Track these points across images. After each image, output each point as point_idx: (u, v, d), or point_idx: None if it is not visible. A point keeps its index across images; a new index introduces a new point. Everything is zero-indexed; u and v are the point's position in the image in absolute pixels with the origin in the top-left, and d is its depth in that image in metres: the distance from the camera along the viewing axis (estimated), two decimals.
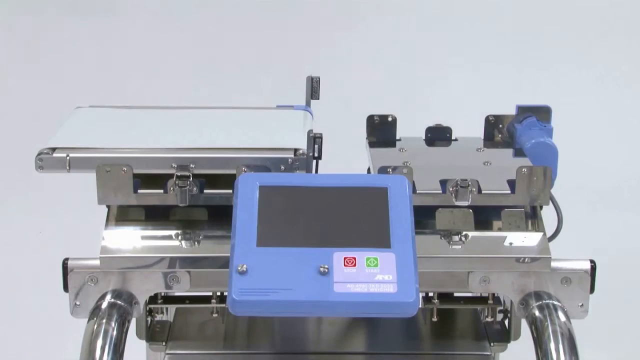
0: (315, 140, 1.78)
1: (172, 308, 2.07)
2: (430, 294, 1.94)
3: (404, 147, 2.03)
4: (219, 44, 4.95)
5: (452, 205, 1.82)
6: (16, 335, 3.28)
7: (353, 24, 4.95)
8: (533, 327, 1.78)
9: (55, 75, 4.83)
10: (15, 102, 4.74)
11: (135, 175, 1.79)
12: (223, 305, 1.91)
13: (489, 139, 2.10)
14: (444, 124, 2.11)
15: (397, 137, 2.09)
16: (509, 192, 1.82)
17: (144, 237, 1.83)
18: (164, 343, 2.00)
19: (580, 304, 1.82)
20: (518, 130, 2.03)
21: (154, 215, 1.85)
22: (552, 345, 1.73)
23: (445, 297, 1.95)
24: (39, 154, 1.78)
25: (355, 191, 1.65)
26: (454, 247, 1.82)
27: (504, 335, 2.00)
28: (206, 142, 1.84)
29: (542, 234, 1.84)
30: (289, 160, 1.78)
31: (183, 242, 1.82)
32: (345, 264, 1.56)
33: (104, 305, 1.76)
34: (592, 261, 1.82)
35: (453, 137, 2.10)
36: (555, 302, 1.80)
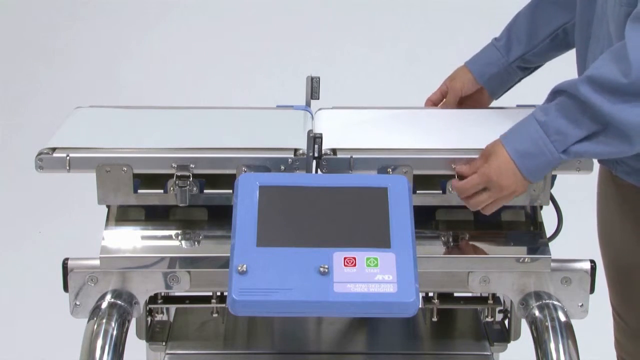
0: (315, 140, 1.78)
1: (172, 308, 2.07)
2: (430, 294, 1.94)
3: None
4: (219, 44, 4.95)
5: (452, 206, 1.82)
6: (16, 335, 3.28)
7: (354, 24, 4.96)
8: (533, 327, 1.78)
9: (56, 76, 4.83)
10: (16, 102, 4.74)
11: (135, 175, 1.79)
12: (223, 305, 1.91)
13: None
14: None
15: None
16: None
17: (144, 237, 1.83)
18: (164, 343, 2.00)
19: (580, 304, 1.82)
20: None
21: (154, 215, 1.85)
22: (552, 345, 1.73)
23: (445, 297, 1.95)
24: (39, 154, 1.78)
25: (355, 191, 1.65)
26: (454, 247, 1.82)
27: (504, 335, 2.00)
28: (206, 142, 1.83)
29: (542, 233, 1.84)
30: (289, 160, 1.78)
31: (183, 242, 1.82)
32: (345, 264, 1.56)
33: (104, 305, 1.76)
34: (592, 261, 1.82)
35: None
36: (555, 302, 1.79)
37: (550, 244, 1.84)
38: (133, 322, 1.87)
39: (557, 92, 1.72)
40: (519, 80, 2.14)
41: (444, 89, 2.14)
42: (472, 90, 2.11)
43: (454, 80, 2.12)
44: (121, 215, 1.85)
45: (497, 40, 2.11)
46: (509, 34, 2.09)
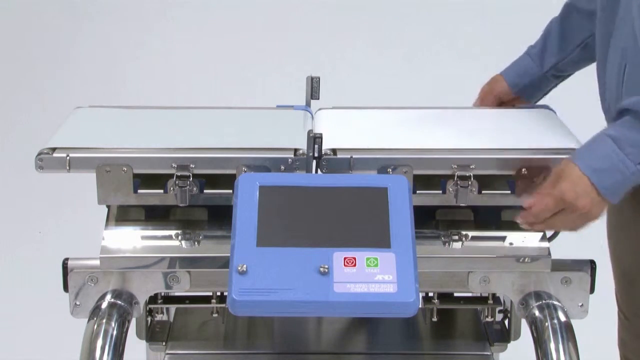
0: (315, 140, 1.78)
1: (172, 308, 2.07)
2: (430, 294, 1.94)
3: None
4: (219, 44, 4.95)
5: (452, 206, 1.82)
6: (16, 335, 3.28)
7: (354, 24, 4.96)
8: (533, 327, 1.78)
9: (56, 75, 4.83)
10: (16, 101, 4.75)
11: (135, 175, 1.79)
12: (223, 305, 1.91)
13: None
14: None
15: None
16: (509, 192, 1.82)
17: (144, 237, 1.83)
18: (164, 343, 2.00)
19: (580, 304, 1.82)
20: None
21: (154, 215, 1.85)
22: (552, 345, 1.73)
23: (445, 297, 1.95)
24: (39, 154, 1.78)
25: (355, 191, 1.65)
26: (454, 247, 1.82)
27: (504, 335, 2.00)
28: (206, 142, 1.84)
29: (542, 234, 1.84)
30: (289, 160, 1.78)
31: (183, 242, 1.82)
32: (345, 264, 1.56)
33: (104, 305, 1.77)
34: (592, 261, 1.82)
35: None
36: (555, 302, 1.80)
37: (550, 244, 1.84)
38: (133, 322, 1.87)
39: (623, 111, 1.68)
40: (555, 86, 2.14)
41: (482, 96, 2.16)
42: (508, 99, 2.13)
43: (492, 87, 2.14)
44: (121, 215, 1.85)
45: (532, 47, 2.12)
46: (544, 42, 2.10)
